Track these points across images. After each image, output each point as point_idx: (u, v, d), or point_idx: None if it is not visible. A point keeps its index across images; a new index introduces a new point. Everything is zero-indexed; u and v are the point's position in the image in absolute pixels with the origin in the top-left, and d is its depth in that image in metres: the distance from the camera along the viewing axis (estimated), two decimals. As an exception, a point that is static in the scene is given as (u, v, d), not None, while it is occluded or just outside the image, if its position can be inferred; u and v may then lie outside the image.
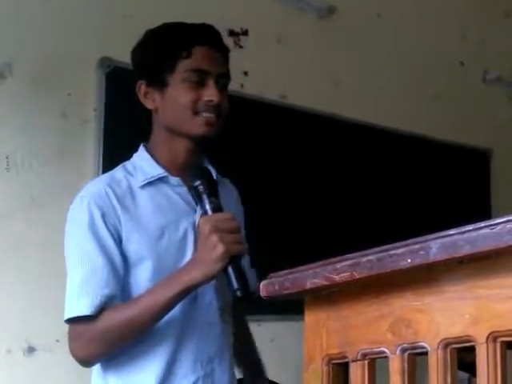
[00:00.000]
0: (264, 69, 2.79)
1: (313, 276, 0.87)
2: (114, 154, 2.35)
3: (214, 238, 1.18)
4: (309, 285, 0.88)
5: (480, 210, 3.33)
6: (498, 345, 0.76)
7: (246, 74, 2.72)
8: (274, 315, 2.52)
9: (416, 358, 0.84)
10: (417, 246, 0.77)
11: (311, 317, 0.93)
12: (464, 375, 2.02)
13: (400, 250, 0.79)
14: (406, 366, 0.83)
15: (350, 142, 3.07)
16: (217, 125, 1.32)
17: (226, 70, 1.36)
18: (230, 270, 1.19)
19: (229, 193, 1.44)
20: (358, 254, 0.84)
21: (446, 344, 0.79)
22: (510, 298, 0.74)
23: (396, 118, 3.18)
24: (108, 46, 2.43)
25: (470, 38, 3.54)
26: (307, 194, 2.91)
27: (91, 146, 2.36)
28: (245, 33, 2.67)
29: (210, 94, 1.30)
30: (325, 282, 0.86)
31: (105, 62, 2.40)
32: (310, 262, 0.90)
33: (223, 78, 1.34)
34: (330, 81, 3.06)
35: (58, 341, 2.24)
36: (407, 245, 0.78)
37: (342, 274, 0.84)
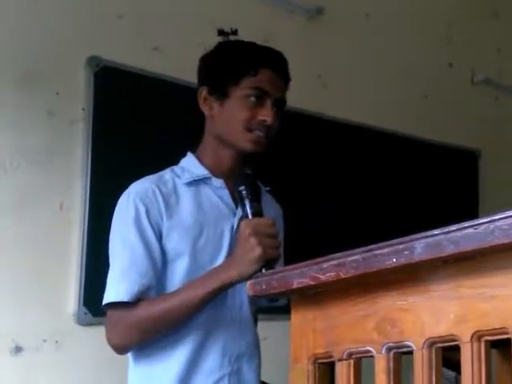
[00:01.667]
0: (253, 69, 2.79)
1: (299, 276, 0.88)
2: (103, 153, 2.35)
3: (253, 240, 1.25)
4: (295, 284, 0.88)
5: (467, 210, 3.35)
6: (483, 344, 0.76)
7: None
8: (267, 314, 2.53)
9: (401, 358, 0.85)
10: (402, 246, 0.78)
11: (298, 316, 0.94)
12: (451, 374, 2.03)
13: (385, 250, 0.79)
14: (391, 365, 0.83)
15: (338, 141, 3.08)
16: (264, 144, 1.40)
17: (284, 96, 1.44)
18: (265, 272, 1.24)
19: (268, 201, 1.52)
20: (344, 253, 0.84)
21: (431, 343, 0.80)
22: (494, 297, 0.75)
23: (384, 118, 3.19)
24: (97, 45, 2.42)
25: (458, 39, 3.55)
26: (294, 194, 2.91)
27: (79, 146, 2.35)
28: (234, 33, 2.67)
29: (266, 114, 1.38)
30: (311, 282, 0.87)
31: (93, 60, 2.39)
32: (298, 261, 0.91)
33: (280, 103, 1.43)
34: (318, 81, 3.07)
35: (45, 341, 2.23)
36: (392, 245, 0.79)
37: (328, 274, 0.85)
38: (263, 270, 1.24)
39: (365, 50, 3.21)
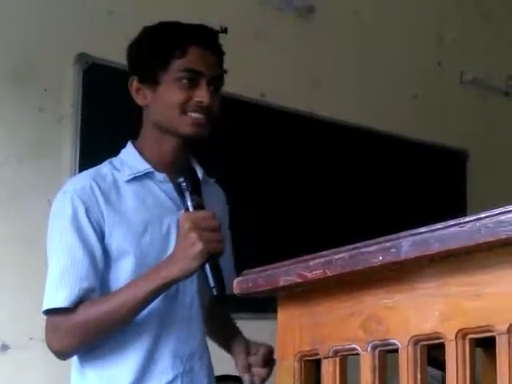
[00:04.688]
0: (243, 67, 2.78)
1: (286, 273, 0.88)
2: (91, 150, 2.34)
3: (193, 235, 1.19)
4: (282, 282, 0.88)
5: (456, 210, 3.36)
6: (467, 342, 0.76)
7: (225, 71, 2.72)
8: (250, 313, 2.52)
9: (387, 355, 0.85)
10: (388, 244, 0.78)
11: (284, 314, 0.94)
12: (437, 373, 2.04)
13: (371, 248, 0.79)
14: (376, 362, 0.83)
15: (329, 141, 3.08)
16: (205, 126, 1.33)
17: (219, 72, 1.37)
18: (208, 268, 1.20)
19: (214, 193, 1.45)
20: (331, 251, 0.84)
21: (416, 341, 0.80)
22: (479, 295, 0.75)
23: (374, 118, 3.20)
24: (86, 42, 2.41)
25: (447, 39, 3.57)
26: (285, 193, 2.91)
27: (68, 142, 2.35)
28: (224, 30, 2.67)
29: (201, 95, 1.31)
30: (297, 280, 0.86)
31: (82, 57, 2.38)
32: (284, 259, 0.91)
33: (216, 81, 1.35)
34: (309, 80, 3.07)
35: (31, 339, 2.22)
36: (379, 243, 0.79)
37: (315, 272, 0.84)
38: (207, 265, 1.20)
39: (355, 49, 3.21)
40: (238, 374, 1.40)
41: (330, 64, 3.14)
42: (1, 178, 2.25)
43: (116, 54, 2.48)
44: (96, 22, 2.46)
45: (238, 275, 0.96)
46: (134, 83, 1.36)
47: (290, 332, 0.92)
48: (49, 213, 1.29)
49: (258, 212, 2.79)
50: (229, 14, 2.72)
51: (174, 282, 1.24)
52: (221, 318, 1.50)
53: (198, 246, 1.19)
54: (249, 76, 2.82)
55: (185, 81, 1.31)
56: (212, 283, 1.20)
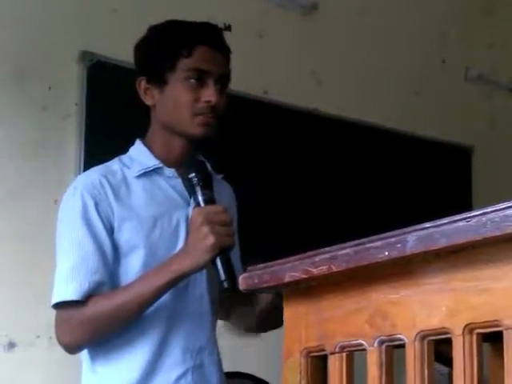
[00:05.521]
0: (247, 64, 2.78)
1: (291, 269, 0.87)
2: (95, 148, 2.34)
3: (205, 229, 1.21)
4: (287, 278, 0.88)
5: (461, 207, 3.34)
6: (474, 337, 0.76)
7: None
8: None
9: (394, 351, 0.85)
10: (393, 239, 0.78)
11: (290, 310, 0.94)
12: (445, 369, 2.03)
13: (377, 243, 0.79)
14: (383, 358, 0.83)
15: (332, 137, 3.08)
16: (213, 126, 1.34)
17: (226, 70, 1.38)
18: (219, 261, 1.21)
19: (222, 189, 1.45)
20: (336, 247, 0.84)
21: (423, 336, 0.80)
22: (486, 290, 0.75)
23: (378, 115, 3.19)
24: (90, 40, 2.41)
25: (451, 36, 3.55)
26: (289, 189, 2.91)
27: (72, 141, 2.35)
28: (228, 28, 2.66)
29: (209, 94, 1.32)
30: (303, 275, 0.86)
31: (86, 55, 2.38)
32: (290, 255, 0.91)
33: (223, 79, 1.36)
34: (312, 77, 3.07)
35: (38, 336, 2.23)
36: (384, 238, 0.79)
37: (320, 267, 0.84)
38: (218, 259, 1.21)
39: (358, 46, 3.21)
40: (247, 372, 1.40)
41: (334, 61, 3.13)
42: (5, 176, 2.26)
43: (120, 51, 2.49)
44: (100, 20, 2.46)
45: (243, 271, 0.97)
46: (142, 83, 1.37)
47: (296, 328, 0.92)
48: (54, 211, 1.30)
49: (263, 208, 2.79)
50: (232, 11, 2.71)
51: (185, 275, 1.25)
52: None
53: (210, 240, 1.20)
54: (252, 73, 2.82)
55: (192, 80, 1.32)
56: (223, 276, 1.21)
